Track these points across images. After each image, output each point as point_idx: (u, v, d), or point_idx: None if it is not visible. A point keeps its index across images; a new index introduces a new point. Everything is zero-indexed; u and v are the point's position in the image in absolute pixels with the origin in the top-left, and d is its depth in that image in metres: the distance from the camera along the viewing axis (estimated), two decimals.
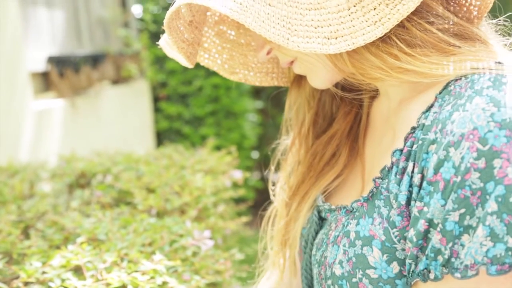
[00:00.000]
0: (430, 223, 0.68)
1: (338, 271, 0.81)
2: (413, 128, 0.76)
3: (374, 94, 0.97)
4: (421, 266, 0.70)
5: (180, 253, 1.31)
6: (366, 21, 0.72)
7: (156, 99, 4.81)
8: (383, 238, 0.75)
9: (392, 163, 0.77)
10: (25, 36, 2.89)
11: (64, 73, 3.24)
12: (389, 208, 0.76)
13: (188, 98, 4.74)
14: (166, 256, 1.25)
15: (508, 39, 0.82)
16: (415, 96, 0.81)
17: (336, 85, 0.93)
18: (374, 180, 0.79)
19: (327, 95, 1.01)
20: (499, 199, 0.63)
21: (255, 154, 5.14)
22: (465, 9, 0.84)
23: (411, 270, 0.72)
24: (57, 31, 3.38)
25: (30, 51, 2.96)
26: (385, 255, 0.75)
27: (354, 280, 0.78)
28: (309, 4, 0.73)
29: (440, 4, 0.79)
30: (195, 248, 1.34)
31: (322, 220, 0.94)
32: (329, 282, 0.83)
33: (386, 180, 0.77)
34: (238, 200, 2.13)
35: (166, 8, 4.61)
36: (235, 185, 2.04)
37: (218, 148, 3.94)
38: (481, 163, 0.64)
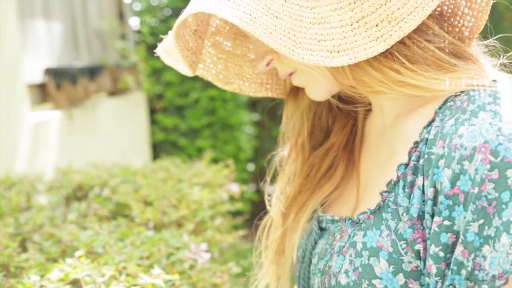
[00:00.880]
0: (458, 236, 0.70)
1: (343, 280, 0.82)
2: (416, 143, 0.78)
3: (369, 108, 0.99)
4: (447, 282, 0.71)
5: (177, 266, 1.31)
6: (368, 37, 0.75)
7: (152, 111, 4.82)
8: (391, 249, 0.77)
9: (398, 177, 0.80)
10: (23, 48, 2.90)
11: (61, 84, 3.24)
12: (397, 221, 0.78)
13: (184, 110, 4.75)
14: (164, 270, 1.25)
15: (496, 59, 0.86)
16: (412, 111, 0.84)
17: (333, 96, 0.95)
18: (381, 193, 0.81)
19: (323, 107, 1.03)
20: None
21: (251, 167, 5.14)
22: (457, 29, 0.88)
23: None
24: (55, 42, 3.39)
25: (28, 62, 2.96)
26: (391, 266, 0.77)
27: None
28: (313, 18, 0.76)
29: (436, 24, 0.82)
30: (192, 261, 1.34)
31: (321, 230, 0.96)
32: None
33: (393, 194, 0.80)
34: (234, 213, 2.13)
35: (163, 20, 4.64)
36: (232, 198, 2.05)
37: (214, 160, 3.94)
38: (495, 174, 0.67)
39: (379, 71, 0.78)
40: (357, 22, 0.76)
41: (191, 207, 1.68)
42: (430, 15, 0.81)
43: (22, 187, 1.91)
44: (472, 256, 0.68)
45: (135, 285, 1.13)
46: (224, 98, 4.68)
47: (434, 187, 0.73)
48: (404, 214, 0.77)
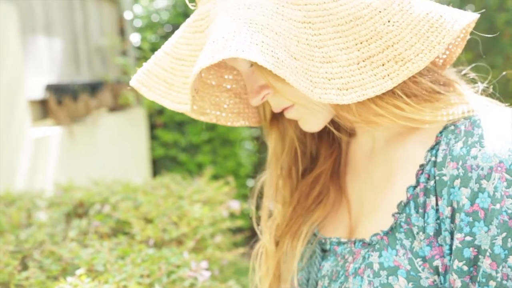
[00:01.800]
0: (479, 250, 0.75)
1: None
2: (422, 165, 0.83)
3: (352, 133, 1.03)
4: None
5: (178, 284, 1.31)
6: (375, 75, 0.79)
7: (152, 127, 4.83)
8: (408, 267, 0.81)
9: (408, 198, 0.84)
10: (24, 64, 2.91)
11: (62, 101, 3.26)
12: (412, 239, 0.82)
13: (184, 126, 4.76)
14: None
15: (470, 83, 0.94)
16: (404, 135, 0.89)
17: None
18: (393, 215, 0.85)
19: (306, 133, 1.05)
20: None
21: (250, 182, 5.14)
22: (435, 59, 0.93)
23: None
24: (56, 59, 3.41)
25: (29, 78, 2.98)
26: (410, 283, 0.81)
27: None
28: (322, 57, 0.78)
29: None
30: (192, 280, 1.34)
31: (322, 253, 0.98)
32: None
33: (404, 215, 0.84)
34: (234, 230, 2.13)
35: (164, 37, 4.67)
36: (232, 215, 2.05)
37: (214, 176, 3.94)
38: None
39: (382, 108, 0.82)
40: (363, 61, 0.79)
41: (192, 225, 1.68)
42: None
43: (23, 204, 1.91)
44: (500, 267, 0.73)
45: None
46: None
47: (451, 206, 0.78)
48: (420, 233, 0.82)
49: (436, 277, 0.80)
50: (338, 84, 0.78)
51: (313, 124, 0.91)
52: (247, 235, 2.31)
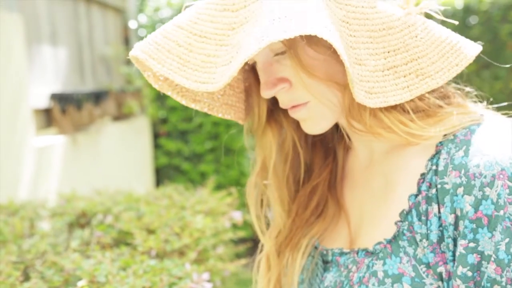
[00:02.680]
0: (482, 256, 0.76)
1: None
2: (423, 174, 0.85)
3: (348, 145, 1.03)
4: None
5: None
6: (396, 85, 0.82)
7: (156, 135, 4.84)
8: (413, 274, 0.83)
9: (410, 207, 0.85)
10: (29, 73, 2.93)
11: (66, 109, 3.27)
12: (415, 247, 0.84)
13: (188, 135, 4.77)
14: None
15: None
16: (405, 145, 0.90)
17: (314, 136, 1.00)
18: (396, 223, 0.86)
19: (303, 140, 1.04)
20: None
21: None
22: None
23: None
24: (61, 68, 3.43)
25: (34, 87, 2.99)
26: None
27: None
28: (355, 58, 0.80)
29: None
30: None
31: (324, 264, 0.98)
32: None
33: (406, 223, 0.85)
34: (237, 241, 2.13)
35: None
36: (234, 226, 2.05)
37: (217, 185, 3.95)
38: None
39: (390, 120, 0.84)
40: (388, 69, 0.82)
41: (194, 236, 1.68)
42: None
43: (26, 213, 1.92)
44: (505, 272, 0.75)
45: None
46: (227, 124, 4.71)
47: (455, 213, 0.79)
48: (424, 240, 0.83)
49: (440, 283, 0.81)
50: (366, 87, 0.80)
51: (318, 125, 0.90)
52: (250, 246, 2.31)
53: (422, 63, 0.83)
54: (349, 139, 1.00)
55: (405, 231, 0.85)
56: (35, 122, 2.98)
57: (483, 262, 0.76)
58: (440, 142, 0.85)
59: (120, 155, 4.07)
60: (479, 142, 0.80)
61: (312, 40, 0.82)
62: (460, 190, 0.78)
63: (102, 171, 3.66)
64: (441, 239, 0.82)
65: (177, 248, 1.64)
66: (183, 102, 0.96)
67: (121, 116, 4.12)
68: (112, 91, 3.97)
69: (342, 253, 0.94)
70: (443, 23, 0.90)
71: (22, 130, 2.79)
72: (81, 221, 1.88)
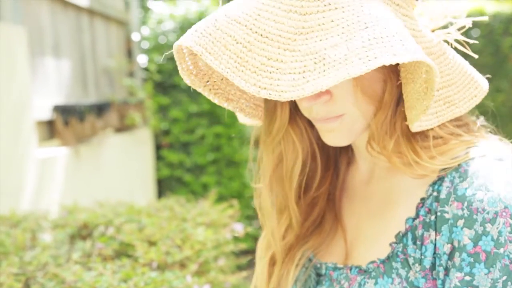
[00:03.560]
0: None
1: None
2: (423, 199, 0.84)
3: (351, 159, 1.02)
4: None
5: None
6: (428, 110, 0.82)
7: (158, 147, 4.85)
8: None
9: (406, 229, 0.85)
10: (32, 85, 2.95)
11: (69, 121, 3.28)
12: (408, 269, 0.84)
13: (190, 147, 4.78)
14: None
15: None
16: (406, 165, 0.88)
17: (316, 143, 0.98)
18: (390, 244, 0.86)
19: (314, 148, 1.00)
20: None
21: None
22: None
23: None
24: (64, 80, 3.45)
25: (37, 99, 3.01)
26: None
27: None
28: (407, 89, 0.81)
29: None
30: None
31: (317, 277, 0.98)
32: None
33: (401, 245, 0.85)
34: (238, 253, 2.13)
35: (171, 58, 4.70)
36: (236, 238, 2.05)
37: (219, 196, 3.95)
38: None
39: (406, 148, 0.84)
40: (424, 93, 0.80)
41: (195, 248, 1.68)
42: None
43: (27, 225, 1.92)
44: None
45: None
46: (229, 135, 4.72)
47: (451, 243, 0.79)
48: (416, 264, 0.83)
49: None
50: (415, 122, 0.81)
51: (343, 138, 0.87)
52: (251, 258, 2.30)
53: (450, 91, 0.85)
54: (352, 152, 0.99)
55: (399, 253, 0.85)
56: (37, 134, 2.99)
57: None
58: (444, 169, 0.84)
59: (123, 166, 4.08)
60: (485, 176, 0.80)
61: None
62: (461, 222, 0.78)
63: (104, 183, 3.66)
64: (434, 266, 0.82)
65: (178, 260, 1.64)
66: (216, 100, 0.90)
67: (123, 127, 4.13)
68: (115, 103, 3.98)
69: (335, 268, 0.94)
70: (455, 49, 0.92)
71: (24, 141, 2.80)
72: (83, 232, 1.88)
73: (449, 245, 0.79)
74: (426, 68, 0.74)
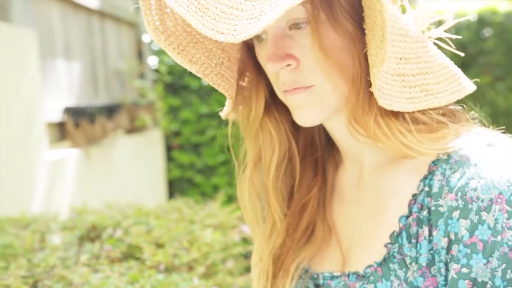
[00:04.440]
0: (474, 282, 0.73)
1: None
2: (414, 195, 0.82)
3: (338, 162, 1.00)
4: None
5: None
6: (401, 93, 0.81)
7: (169, 148, 4.86)
8: None
9: (400, 228, 0.83)
10: (43, 87, 2.97)
11: (80, 123, 3.30)
12: (405, 270, 0.81)
13: (200, 148, 4.79)
14: None
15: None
16: (393, 163, 0.87)
17: (301, 144, 0.97)
18: (385, 245, 0.84)
19: (295, 142, 0.98)
20: None
21: None
22: None
23: None
24: (75, 82, 3.47)
25: (47, 101, 3.03)
26: None
27: None
28: (370, 49, 0.79)
29: None
30: None
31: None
32: None
33: (396, 245, 0.83)
34: (247, 255, 2.12)
35: None
36: (244, 240, 2.04)
37: (229, 197, 3.95)
38: None
39: (388, 128, 0.82)
40: (397, 75, 0.81)
41: (203, 250, 1.68)
42: None
43: (37, 227, 1.93)
44: None
45: None
46: (239, 136, 4.72)
47: (448, 236, 0.77)
48: (413, 263, 0.81)
49: None
50: (377, 84, 0.78)
51: (314, 115, 0.85)
52: None
53: (428, 79, 0.83)
54: (340, 155, 0.97)
55: (395, 254, 0.83)
56: (48, 136, 3.01)
57: None
58: (433, 162, 0.82)
59: (133, 168, 4.09)
60: (476, 164, 0.77)
61: (336, 21, 0.80)
62: (456, 214, 0.76)
63: (115, 184, 3.68)
64: (431, 262, 0.79)
65: (186, 262, 1.64)
66: (178, 60, 0.89)
67: (134, 129, 4.15)
68: (125, 105, 4.00)
69: (333, 277, 0.92)
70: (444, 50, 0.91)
71: (35, 143, 2.82)
72: (91, 234, 1.89)
73: (446, 239, 0.77)
74: (381, 15, 0.73)
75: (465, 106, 0.91)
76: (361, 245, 0.90)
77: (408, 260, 0.81)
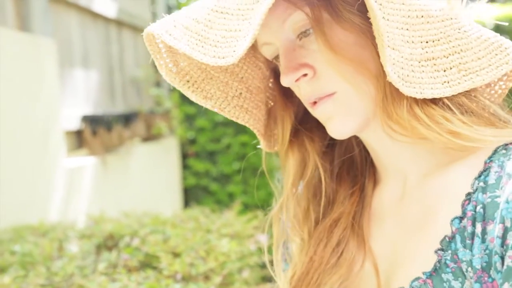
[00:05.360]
0: None
1: None
2: (468, 194, 0.73)
3: (377, 180, 0.92)
4: None
5: None
6: (434, 78, 0.73)
7: (184, 156, 4.88)
8: None
9: (453, 232, 0.73)
10: (61, 95, 3.00)
11: (97, 131, 3.33)
12: (462, 279, 0.71)
13: (216, 156, 4.80)
14: None
15: None
16: (443, 167, 0.79)
17: (338, 164, 0.91)
18: (436, 251, 0.74)
19: (329, 164, 0.93)
20: None
21: None
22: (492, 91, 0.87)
23: None
24: (92, 90, 3.50)
25: (65, 109, 3.06)
26: None
27: None
28: (387, 41, 0.72)
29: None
30: None
31: None
32: None
33: (449, 252, 0.73)
34: (263, 265, 2.12)
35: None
36: (260, 250, 2.04)
37: (244, 205, 3.95)
38: None
39: (428, 117, 0.74)
40: (425, 61, 0.73)
41: (219, 260, 1.68)
42: None
43: (55, 235, 1.95)
44: None
45: None
46: (255, 144, 4.72)
47: (503, 223, 0.67)
48: (469, 268, 0.70)
49: None
50: (400, 72, 0.72)
51: (346, 124, 0.79)
52: None
53: (465, 57, 0.75)
54: (378, 174, 0.90)
55: (448, 262, 0.72)
56: (66, 144, 3.04)
57: None
58: (489, 158, 0.73)
59: (149, 176, 4.11)
60: None
61: (341, 17, 0.75)
62: None
63: (131, 192, 3.70)
64: (488, 264, 0.69)
65: (202, 272, 1.64)
66: (193, 98, 0.87)
67: (150, 137, 4.17)
68: (142, 113, 4.03)
69: None
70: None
71: (53, 151, 2.84)
72: (109, 243, 1.90)
73: (501, 225, 0.67)
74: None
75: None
76: (406, 259, 0.80)
77: (464, 267, 0.71)
